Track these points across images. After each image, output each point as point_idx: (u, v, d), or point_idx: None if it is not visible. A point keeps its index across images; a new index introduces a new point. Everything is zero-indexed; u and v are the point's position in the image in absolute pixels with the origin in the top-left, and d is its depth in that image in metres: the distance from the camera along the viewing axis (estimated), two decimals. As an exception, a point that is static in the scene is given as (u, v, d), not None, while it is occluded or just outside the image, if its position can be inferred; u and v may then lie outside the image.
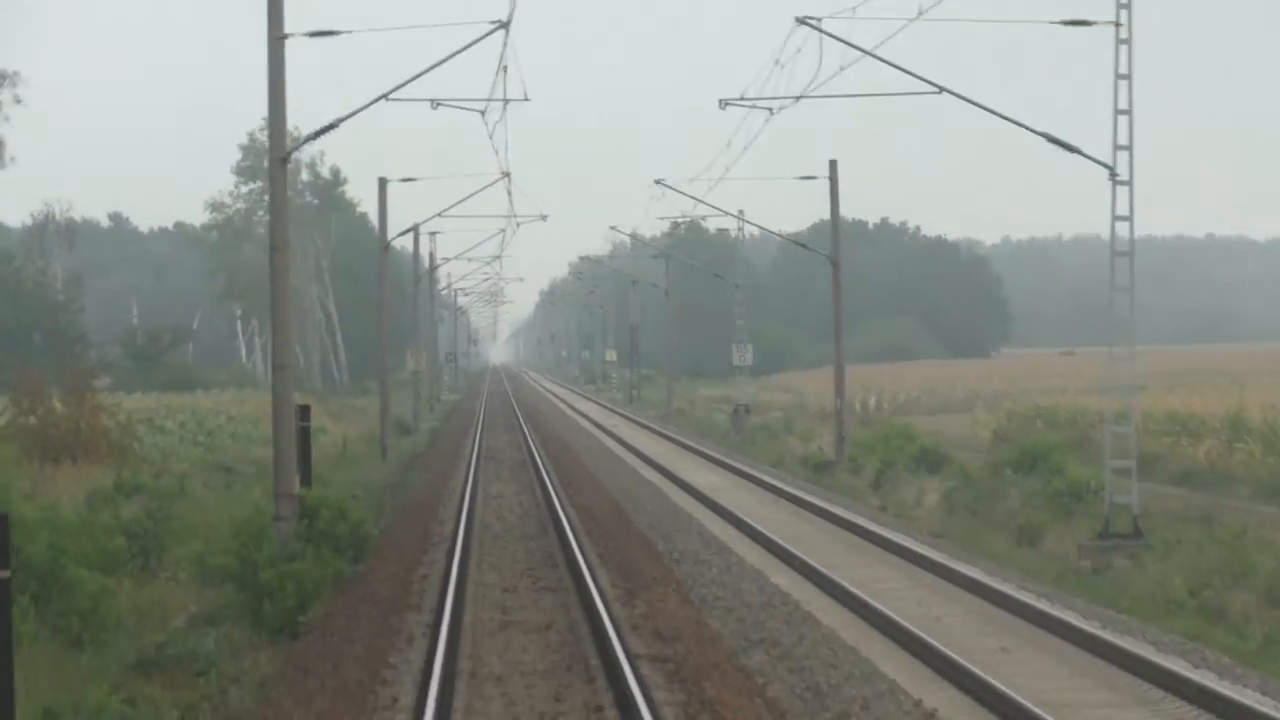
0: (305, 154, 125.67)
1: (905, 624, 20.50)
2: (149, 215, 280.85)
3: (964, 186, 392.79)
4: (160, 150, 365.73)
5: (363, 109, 30.60)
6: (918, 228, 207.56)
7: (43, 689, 16.21)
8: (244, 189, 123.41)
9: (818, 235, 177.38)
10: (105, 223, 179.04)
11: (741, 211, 66.75)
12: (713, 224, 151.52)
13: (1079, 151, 30.15)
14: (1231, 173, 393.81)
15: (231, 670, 18.23)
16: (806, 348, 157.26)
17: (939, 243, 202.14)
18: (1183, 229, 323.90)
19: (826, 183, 51.34)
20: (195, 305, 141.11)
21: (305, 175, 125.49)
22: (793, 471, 49.10)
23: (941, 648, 18.76)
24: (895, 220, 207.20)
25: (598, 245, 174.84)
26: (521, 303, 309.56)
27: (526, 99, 33.42)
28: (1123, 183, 28.78)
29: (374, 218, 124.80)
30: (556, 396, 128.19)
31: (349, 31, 30.27)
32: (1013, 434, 55.58)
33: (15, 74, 52.66)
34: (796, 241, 59.33)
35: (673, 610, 21.69)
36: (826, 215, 51.84)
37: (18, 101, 53.22)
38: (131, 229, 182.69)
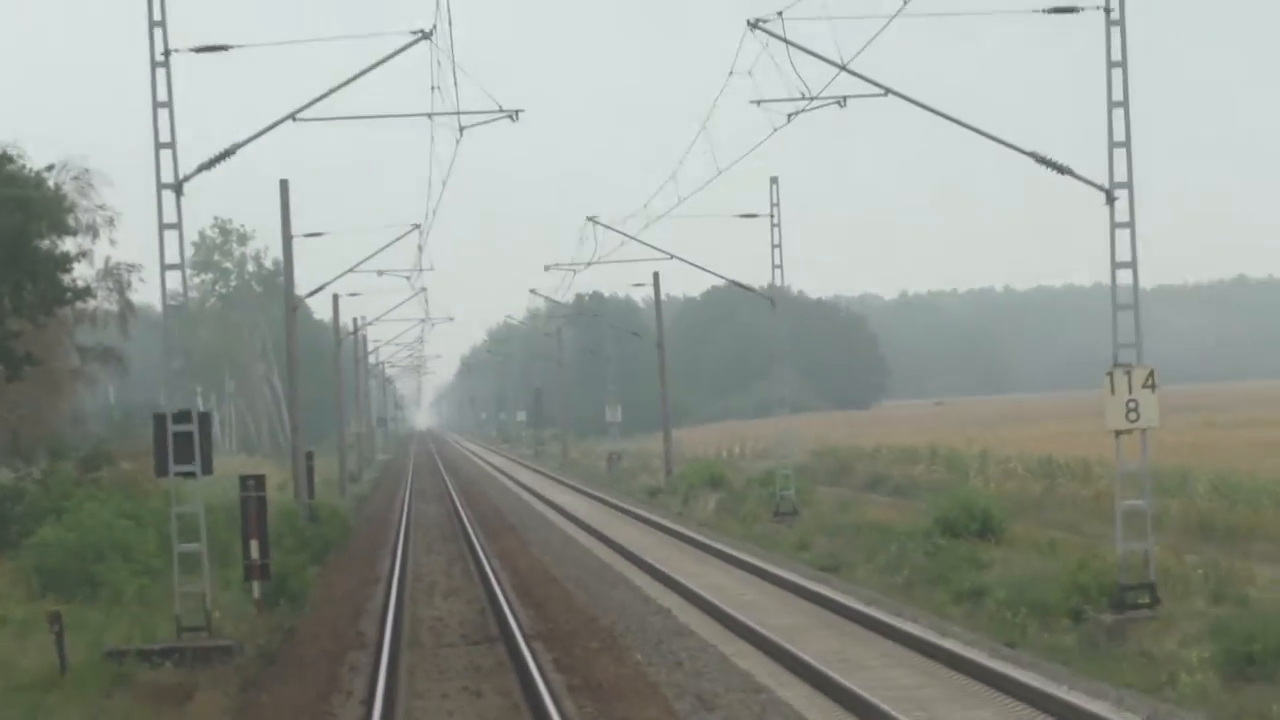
0: (251, 249, 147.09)
1: (624, 544, 41.87)
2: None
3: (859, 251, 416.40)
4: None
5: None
6: (801, 291, 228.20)
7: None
8: (196, 280, 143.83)
9: (710, 297, 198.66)
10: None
11: (586, 296, 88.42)
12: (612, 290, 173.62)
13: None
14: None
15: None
16: (700, 404, 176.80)
17: (819, 304, 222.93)
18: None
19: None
20: (150, 384, 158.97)
21: (251, 267, 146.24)
22: (634, 496, 70.05)
23: (633, 549, 40.06)
24: (780, 285, 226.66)
25: (513, 311, 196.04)
26: (444, 370, 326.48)
27: (432, 268, 55.11)
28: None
29: (306, 303, 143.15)
30: (474, 454, 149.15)
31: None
32: (809, 467, 77.09)
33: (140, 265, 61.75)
34: (631, 331, 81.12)
35: (513, 546, 43.22)
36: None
37: (142, 280, 61.72)
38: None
